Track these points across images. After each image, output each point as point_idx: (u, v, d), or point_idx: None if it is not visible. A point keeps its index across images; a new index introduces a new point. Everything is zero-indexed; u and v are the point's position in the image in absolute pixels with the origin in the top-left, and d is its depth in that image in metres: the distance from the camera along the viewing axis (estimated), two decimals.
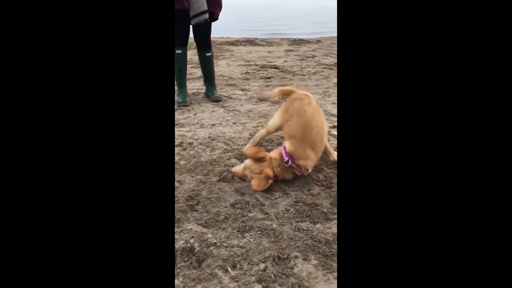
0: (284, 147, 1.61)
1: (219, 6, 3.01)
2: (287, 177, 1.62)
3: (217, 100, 3.15)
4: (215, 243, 1.24)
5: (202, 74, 3.39)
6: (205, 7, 2.81)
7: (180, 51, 2.97)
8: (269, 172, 1.56)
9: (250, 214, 1.42)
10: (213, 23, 3.10)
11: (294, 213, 1.43)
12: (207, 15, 2.84)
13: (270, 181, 1.56)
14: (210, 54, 3.19)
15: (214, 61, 3.51)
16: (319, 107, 1.81)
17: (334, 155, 1.83)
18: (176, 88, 3.08)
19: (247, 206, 1.48)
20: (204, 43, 3.12)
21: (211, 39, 3.21)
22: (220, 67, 4.75)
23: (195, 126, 2.52)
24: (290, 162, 1.56)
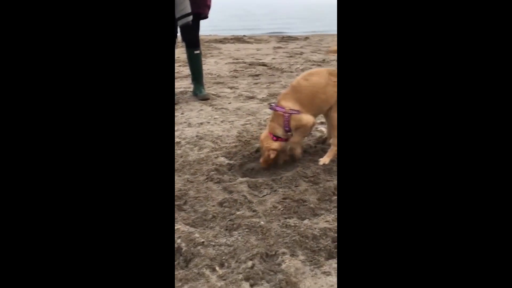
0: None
1: (207, 6, 2.99)
2: (278, 125, 1.77)
3: (205, 99, 3.13)
4: (203, 242, 1.23)
5: (190, 72, 3.36)
6: (189, 9, 2.74)
7: None
8: (268, 144, 1.74)
9: (238, 212, 1.42)
10: (202, 21, 3.08)
11: (282, 210, 1.43)
12: (191, 18, 2.77)
13: (272, 154, 1.73)
14: (198, 52, 3.17)
15: (202, 59, 3.49)
16: (328, 81, 1.77)
17: (325, 159, 1.82)
18: None
19: (235, 204, 1.47)
20: (193, 41, 3.11)
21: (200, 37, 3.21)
22: (208, 65, 4.72)
23: (183, 125, 2.50)
24: (274, 106, 1.79)
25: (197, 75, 3.25)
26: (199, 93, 3.21)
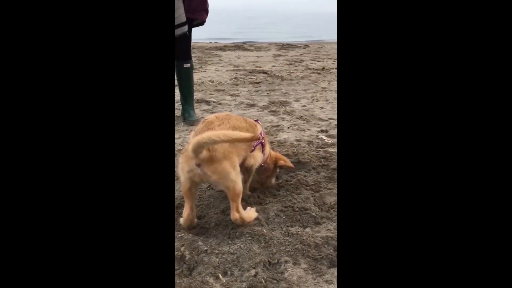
0: None
1: (205, 11, 2.64)
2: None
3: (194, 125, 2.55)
4: (206, 250, 1.24)
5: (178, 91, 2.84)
6: (183, 19, 2.44)
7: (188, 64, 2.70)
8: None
9: None
10: (201, 28, 2.83)
11: (284, 218, 1.45)
12: (186, 28, 2.47)
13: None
14: (189, 65, 2.69)
15: (203, 66, 3.48)
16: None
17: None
18: (183, 103, 2.80)
19: None
20: (185, 52, 2.65)
21: (192, 45, 2.85)
22: (209, 73, 4.77)
23: (184, 133, 2.52)
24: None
25: (186, 93, 2.73)
26: (188, 116, 2.71)
